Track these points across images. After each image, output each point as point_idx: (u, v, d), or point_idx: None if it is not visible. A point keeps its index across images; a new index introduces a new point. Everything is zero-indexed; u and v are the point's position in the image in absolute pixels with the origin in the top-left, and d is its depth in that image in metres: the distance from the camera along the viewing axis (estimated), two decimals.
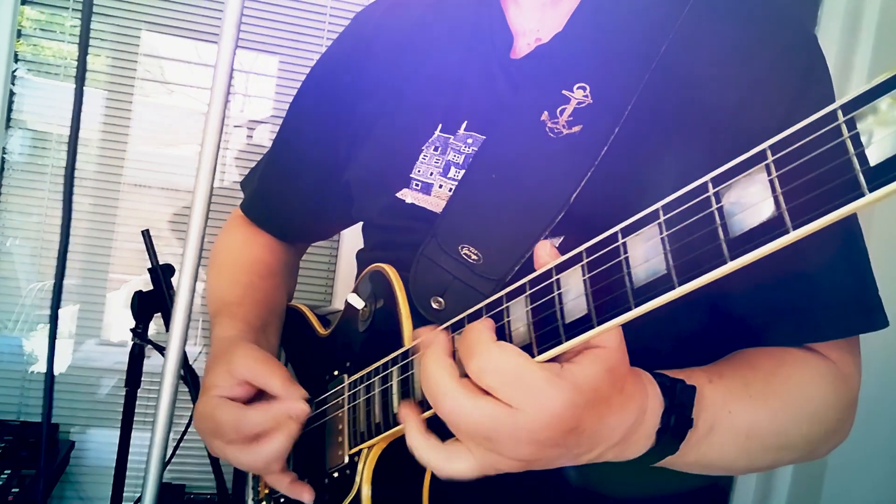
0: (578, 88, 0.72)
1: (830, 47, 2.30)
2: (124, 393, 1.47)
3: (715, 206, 0.41)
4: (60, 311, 2.06)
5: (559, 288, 0.50)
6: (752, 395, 0.63)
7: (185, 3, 2.04)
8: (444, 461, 0.53)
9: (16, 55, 1.97)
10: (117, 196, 2.08)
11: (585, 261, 0.49)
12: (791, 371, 0.67)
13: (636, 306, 0.44)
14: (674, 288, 0.42)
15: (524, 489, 0.70)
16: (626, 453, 0.56)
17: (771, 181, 0.38)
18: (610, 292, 0.46)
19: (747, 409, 0.62)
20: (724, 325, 0.71)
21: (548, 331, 0.50)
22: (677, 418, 0.56)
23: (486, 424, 0.49)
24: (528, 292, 0.53)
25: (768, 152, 0.39)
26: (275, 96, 2.14)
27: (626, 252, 0.46)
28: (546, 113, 0.71)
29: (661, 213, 0.44)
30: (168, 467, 1.64)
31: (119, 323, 2.11)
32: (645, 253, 0.44)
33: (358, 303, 0.75)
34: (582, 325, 0.48)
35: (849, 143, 0.35)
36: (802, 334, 0.69)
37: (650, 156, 0.68)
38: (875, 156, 0.34)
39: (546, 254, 0.52)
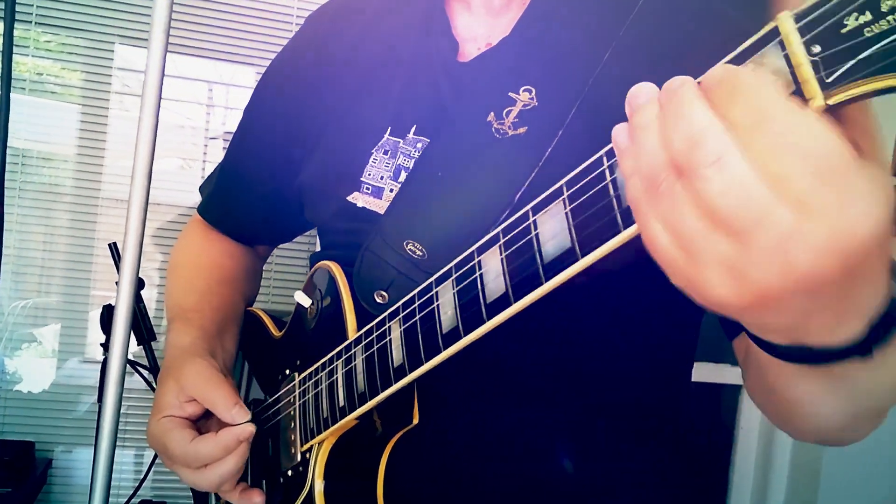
0: (524, 91, 0.73)
1: None
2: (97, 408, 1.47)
3: (609, 178, 0.42)
4: (42, 330, 2.06)
5: (480, 268, 0.51)
6: None
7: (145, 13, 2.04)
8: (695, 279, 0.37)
9: None
10: (96, 211, 2.07)
11: (502, 240, 0.50)
12: None
13: (546, 280, 0.46)
14: (577, 260, 0.44)
15: (480, 481, 0.71)
16: (842, 331, 0.41)
17: None
18: (524, 270, 0.48)
19: None
20: None
21: (473, 312, 0.51)
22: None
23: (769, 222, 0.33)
24: (454, 275, 0.54)
25: None
26: None
27: (536, 229, 0.47)
28: (492, 114, 0.72)
29: (564, 189, 0.46)
30: (149, 484, 1.64)
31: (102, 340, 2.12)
32: (552, 229, 0.46)
33: (305, 301, 0.76)
34: (502, 304, 0.49)
35: None
36: None
37: (589, 155, 0.69)
38: None
39: None
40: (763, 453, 2.42)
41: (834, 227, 0.32)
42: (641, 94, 0.39)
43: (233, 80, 2.17)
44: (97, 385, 2.04)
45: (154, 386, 1.38)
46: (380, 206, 0.76)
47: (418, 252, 0.70)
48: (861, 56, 0.32)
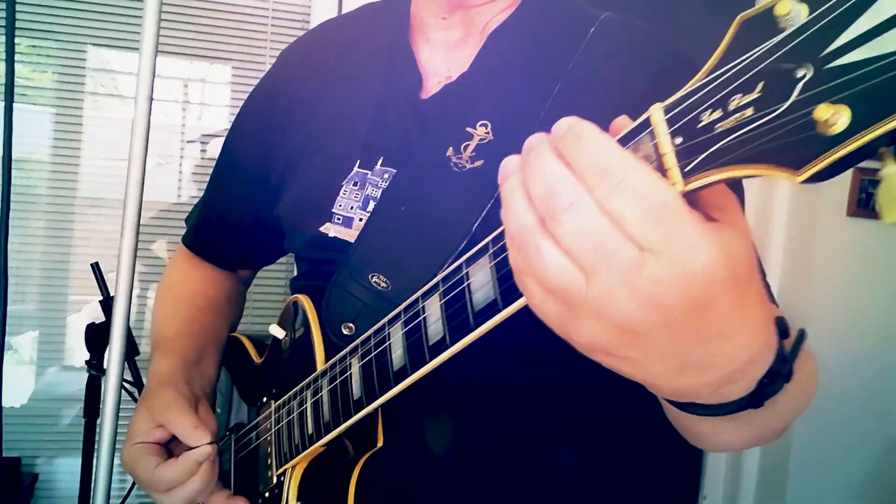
0: (481, 126, 0.78)
1: None
2: (83, 423, 1.52)
3: None
4: (19, 339, 2.08)
5: (424, 313, 0.57)
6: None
7: (130, 16, 2.06)
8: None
9: None
10: (72, 214, 2.07)
11: (442, 288, 0.56)
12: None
13: (476, 327, 0.51)
14: (500, 310, 0.49)
15: (443, 498, 0.76)
16: (724, 388, 0.45)
17: None
18: (458, 316, 0.53)
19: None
20: None
21: (418, 352, 0.57)
22: (783, 367, 0.46)
23: (595, 260, 0.37)
24: (402, 318, 0.60)
25: None
26: (230, 104, 2.18)
27: (468, 280, 0.53)
28: (451, 148, 0.77)
29: (490, 245, 0.51)
30: (137, 492, 1.68)
31: (81, 347, 2.14)
32: (480, 280, 0.51)
33: (279, 333, 0.82)
34: (441, 346, 0.55)
35: None
36: None
37: None
38: None
39: None
40: None
41: (668, 261, 0.36)
42: (509, 166, 0.43)
43: (208, 77, 2.19)
44: (77, 395, 2.08)
45: (136, 398, 1.44)
46: (350, 234, 0.81)
47: (383, 284, 0.75)
48: (711, 150, 0.38)
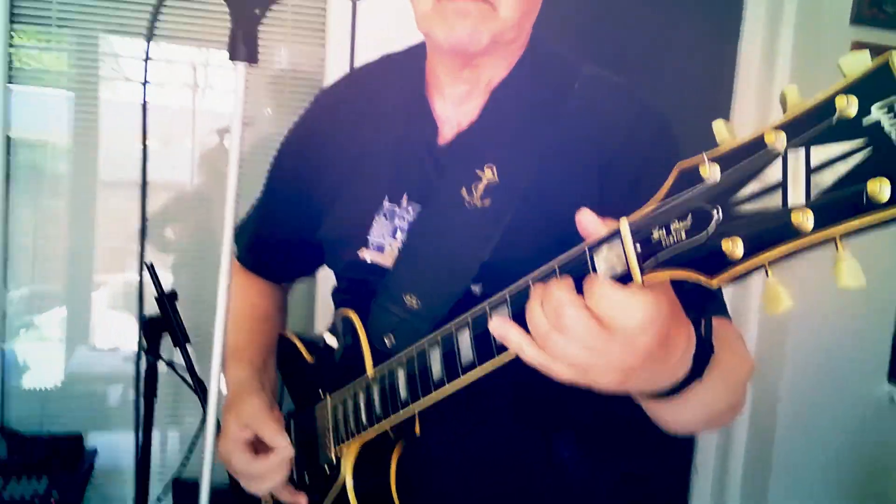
0: (488, 168, 0.94)
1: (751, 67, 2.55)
2: (142, 402, 1.71)
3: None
4: (45, 317, 2.24)
5: (457, 341, 0.77)
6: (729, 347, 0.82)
7: (140, 3, 2.18)
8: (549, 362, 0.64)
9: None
10: (94, 195, 2.21)
11: (470, 323, 0.75)
12: (736, 337, 0.90)
13: (497, 355, 0.71)
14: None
15: (468, 478, 0.97)
16: (677, 373, 0.69)
17: None
18: (484, 346, 0.73)
19: (724, 352, 0.76)
20: None
21: (452, 368, 0.77)
22: (705, 345, 0.70)
23: (596, 339, 0.60)
24: (440, 343, 0.79)
25: (556, 266, 0.65)
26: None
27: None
28: (464, 189, 0.94)
29: (507, 298, 0.71)
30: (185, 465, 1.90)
31: (105, 325, 2.28)
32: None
33: (333, 341, 1.01)
34: (471, 366, 0.75)
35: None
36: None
37: (543, 222, 0.90)
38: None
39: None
40: None
41: (623, 335, 0.60)
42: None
43: (212, 62, 2.35)
44: (110, 372, 2.26)
45: (188, 382, 1.65)
46: (382, 258, 0.99)
47: (415, 303, 0.94)
48: (658, 257, 0.57)
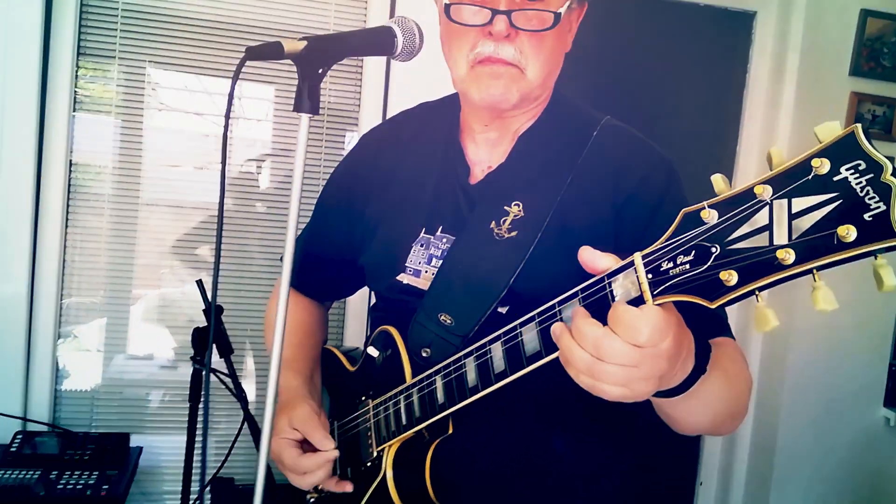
0: (514, 205, 1.06)
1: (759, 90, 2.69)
2: (188, 407, 1.84)
3: (559, 315, 0.79)
4: (86, 327, 2.38)
5: (490, 353, 0.88)
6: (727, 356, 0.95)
7: (189, 41, 2.33)
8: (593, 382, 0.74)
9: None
10: (136, 215, 2.35)
11: (503, 338, 0.87)
12: (735, 350, 1.01)
13: (526, 366, 0.83)
14: (542, 357, 0.81)
15: (497, 471, 1.08)
16: (687, 367, 0.79)
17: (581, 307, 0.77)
18: (515, 356, 0.85)
19: (723, 358, 0.90)
20: None
21: (486, 377, 0.88)
22: (704, 348, 0.83)
23: (631, 357, 0.71)
24: (474, 354, 0.91)
25: (579, 293, 0.77)
26: (273, 120, 2.46)
27: (521, 336, 0.84)
28: (493, 222, 1.06)
29: (536, 316, 0.82)
30: (217, 464, 2.01)
31: (142, 336, 2.42)
32: (530, 338, 0.83)
33: (374, 353, 1.13)
34: (503, 375, 0.86)
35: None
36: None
37: (563, 253, 0.98)
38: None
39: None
40: None
41: (650, 352, 0.72)
42: (556, 330, 0.78)
43: (247, 94, 2.47)
44: (147, 378, 2.39)
45: (231, 389, 1.77)
46: (417, 282, 1.11)
47: (448, 320, 1.06)
48: (667, 284, 0.69)
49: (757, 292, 0.65)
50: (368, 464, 1.11)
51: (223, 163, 0.97)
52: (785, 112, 2.61)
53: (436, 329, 1.06)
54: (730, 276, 0.65)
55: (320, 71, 0.88)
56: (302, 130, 0.89)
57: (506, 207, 1.07)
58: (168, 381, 2.43)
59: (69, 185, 2.28)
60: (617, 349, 0.71)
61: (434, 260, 1.10)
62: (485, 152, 1.13)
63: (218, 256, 0.96)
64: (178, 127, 2.44)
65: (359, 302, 2.40)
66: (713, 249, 0.66)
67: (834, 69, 2.55)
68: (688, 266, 0.68)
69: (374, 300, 1.28)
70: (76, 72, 2.26)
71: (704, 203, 0.68)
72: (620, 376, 0.72)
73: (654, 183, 1.05)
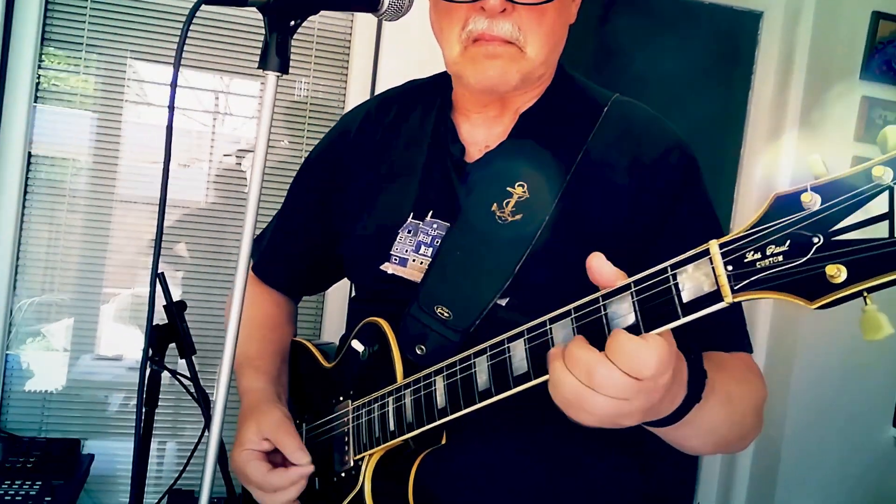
0: (518, 186, 0.96)
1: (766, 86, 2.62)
2: (141, 411, 1.64)
3: (603, 312, 0.67)
4: (54, 326, 2.21)
5: (509, 352, 0.76)
6: (727, 372, 0.85)
7: (167, 32, 2.20)
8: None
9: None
10: (110, 212, 2.22)
11: (526, 336, 0.75)
12: (746, 368, 0.92)
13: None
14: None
15: (488, 486, 0.95)
16: (677, 399, 0.72)
17: (633, 303, 0.65)
18: (539, 356, 0.72)
19: (727, 381, 0.82)
20: None
21: (503, 380, 0.76)
22: (698, 374, 0.74)
23: (627, 390, 0.64)
24: (489, 353, 0.78)
25: (632, 286, 0.65)
26: (257, 115, 2.32)
27: (550, 333, 0.72)
28: (495, 204, 0.95)
29: (573, 311, 0.70)
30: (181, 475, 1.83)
31: (111, 336, 2.27)
32: (562, 335, 0.70)
33: (359, 347, 0.99)
34: (524, 378, 0.74)
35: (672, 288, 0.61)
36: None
37: (571, 237, 0.92)
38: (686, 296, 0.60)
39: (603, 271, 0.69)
40: None
41: (645, 384, 0.64)
42: (551, 356, 0.69)
43: (231, 89, 2.36)
44: (112, 381, 2.23)
45: (192, 393, 1.60)
46: (404, 272, 0.99)
47: (445, 314, 0.93)
48: (753, 278, 0.58)
49: (865, 293, 0.54)
50: (342, 474, 0.96)
51: (167, 154, 0.84)
52: (792, 115, 2.56)
53: (431, 323, 0.93)
54: (838, 272, 0.54)
55: (292, 24, 0.76)
56: (268, 91, 0.77)
57: (508, 189, 0.96)
58: (134, 383, 2.26)
59: (27, 178, 2.15)
60: (614, 380, 0.63)
61: (423, 247, 0.98)
62: (482, 132, 1.02)
63: (157, 252, 0.83)
64: (157, 122, 2.32)
65: (339, 294, 2.26)
66: (815, 240, 0.55)
67: (843, 72, 2.51)
68: (781, 258, 0.57)
69: (354, 292, 1.14)
70: (39, 61, 2.13)
71: (807, 184, 0.57)
72: (608, 409, 0.65)
73: (673, 161, 0.97)
